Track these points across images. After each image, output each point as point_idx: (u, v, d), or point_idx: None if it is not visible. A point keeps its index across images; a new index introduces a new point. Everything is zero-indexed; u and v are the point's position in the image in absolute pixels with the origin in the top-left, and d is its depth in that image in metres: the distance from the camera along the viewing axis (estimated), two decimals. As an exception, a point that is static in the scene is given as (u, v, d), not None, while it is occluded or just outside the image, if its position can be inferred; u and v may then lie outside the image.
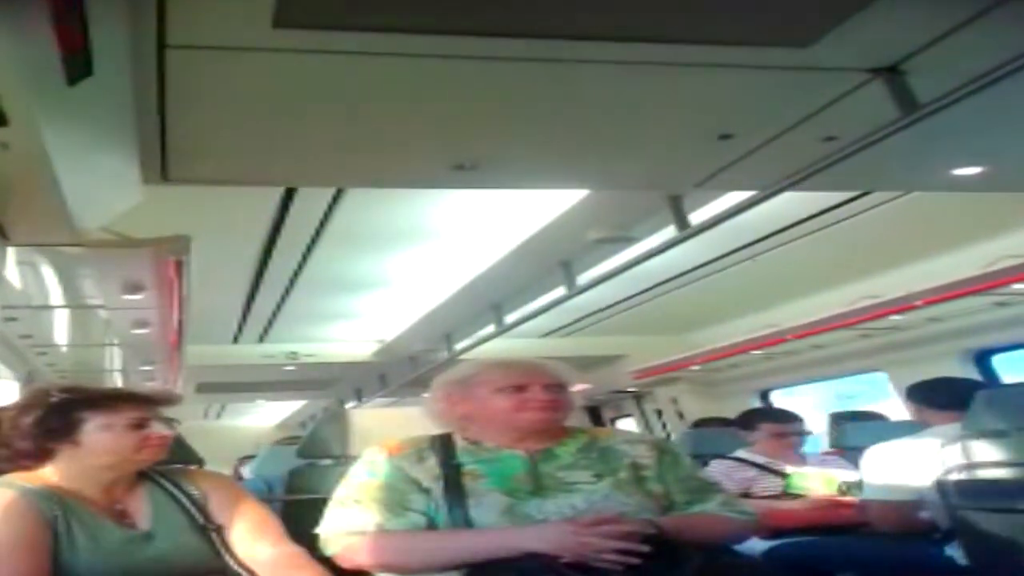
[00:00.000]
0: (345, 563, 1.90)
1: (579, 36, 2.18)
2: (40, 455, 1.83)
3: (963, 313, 4.88)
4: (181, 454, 2.20)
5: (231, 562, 1.82)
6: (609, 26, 2.12)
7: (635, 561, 1.68)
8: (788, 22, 2.17)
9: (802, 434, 3.90)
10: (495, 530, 1.84)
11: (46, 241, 3.12)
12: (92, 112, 2.19)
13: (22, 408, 1.86)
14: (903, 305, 4.72)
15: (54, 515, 1.72)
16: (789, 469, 3.67)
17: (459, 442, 2.05)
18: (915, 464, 2.70)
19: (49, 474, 1.82)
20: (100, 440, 1.83)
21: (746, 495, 3.48)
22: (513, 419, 2.02)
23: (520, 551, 1.74)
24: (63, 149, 2.16)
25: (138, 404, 1.91)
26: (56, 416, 1.83)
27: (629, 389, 8.96)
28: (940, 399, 3.03)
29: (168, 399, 2.04)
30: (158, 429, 1.91)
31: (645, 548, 1.69)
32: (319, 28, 2.06)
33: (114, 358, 6.18)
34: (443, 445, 2.03)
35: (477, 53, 2.24)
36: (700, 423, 6.25)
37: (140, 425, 1.88)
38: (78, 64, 1.79)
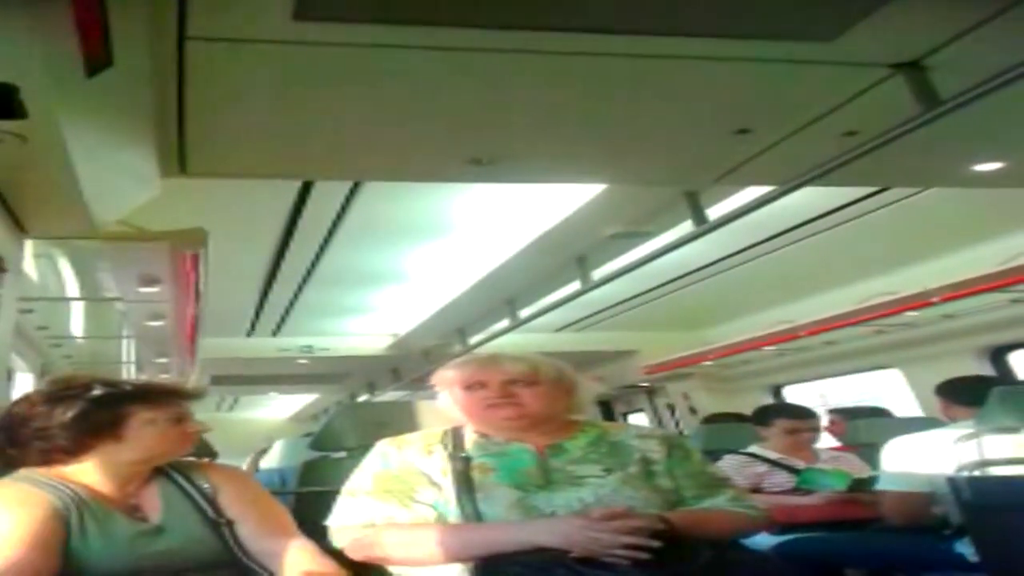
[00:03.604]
0: (354, 555, 1.89)
1: (598, 30, 2.17)
2: (77, 450, 1.78)
3: (979, 310, 4.84)
4: (196, 447, 2.21)
5: (241, 556, 1.81)
6: (629, 20, 2.11)
7: (644, 556, 1.66)
8: (812, 16, 2.17)
9: (816, 430, 3.90)
10: (504, 524, 1.82)
11: (63, 234, 3.13)
12: (111, 104, 2.19)
13: (56, 401, 1.80)
14: (919, 302, 4.70)
15: (68, 510, 1.71)
16: (802, 465, 3.66)
17: (469, 435, 2.04)
18: (932, 457, 2.69)
19: (70, 469, 1.79)
20: (144, 435, 1.81)
21: (756, 491, 3.48)
22: (483, 416, 2.02)
23: (529, 545, 1.73)
24: (81, 142, 2.17)
25: (179, 398, 1.91)
26: (101, 410, 1.80)
27: (641, 384, 8.95)
28: (967, 395, 3.03)
29: (200, 394, 2.04)
30: (193, 424, 1.92)
31: (655, 543, 1.68)
32: (338, 20, 2.07)
33: (129, 350, 6.22)
34: (454, 438, 2.03)
35: (495, 46, 2.23)
36: (711, 419, 6.23)
37: (179, 420, 1.88)
38: (97, 56, 1.79)
